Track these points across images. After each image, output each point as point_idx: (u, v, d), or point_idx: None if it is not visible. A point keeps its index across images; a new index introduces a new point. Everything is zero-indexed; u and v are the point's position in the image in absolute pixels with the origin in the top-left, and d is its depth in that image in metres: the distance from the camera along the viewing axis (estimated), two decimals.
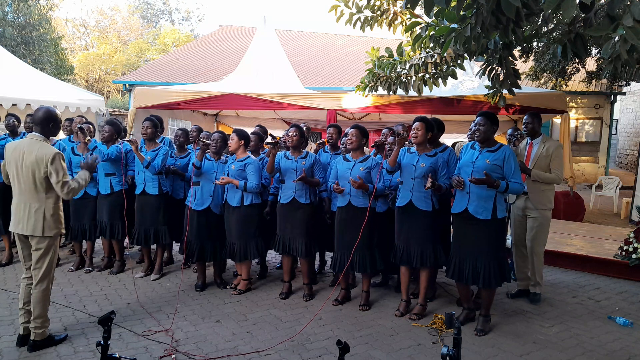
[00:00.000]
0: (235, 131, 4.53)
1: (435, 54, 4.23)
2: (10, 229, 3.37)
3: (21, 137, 5.10)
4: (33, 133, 3.34)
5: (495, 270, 3.64)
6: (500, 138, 7.94)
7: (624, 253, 5.32)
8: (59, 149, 5.11)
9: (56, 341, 3.44)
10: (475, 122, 3.76)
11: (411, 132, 3.95)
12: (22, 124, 5.61)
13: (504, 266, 3.73)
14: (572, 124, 14.03)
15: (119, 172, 4.93)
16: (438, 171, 3.95)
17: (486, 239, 3.66)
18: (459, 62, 4.25)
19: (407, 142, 4.05)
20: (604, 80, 12.64)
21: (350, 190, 4.09)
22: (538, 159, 4.33)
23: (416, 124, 3.94)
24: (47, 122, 3.33)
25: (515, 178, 3.63)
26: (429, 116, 4.28)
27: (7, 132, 5.45)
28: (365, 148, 4.36)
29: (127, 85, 14.28)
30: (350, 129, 4.22)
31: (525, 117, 4.49)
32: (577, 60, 9.93)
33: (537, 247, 4.40)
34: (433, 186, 3.74)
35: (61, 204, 3.41)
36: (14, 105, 7.21)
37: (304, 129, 4.79)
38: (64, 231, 3.45)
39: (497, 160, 3.65)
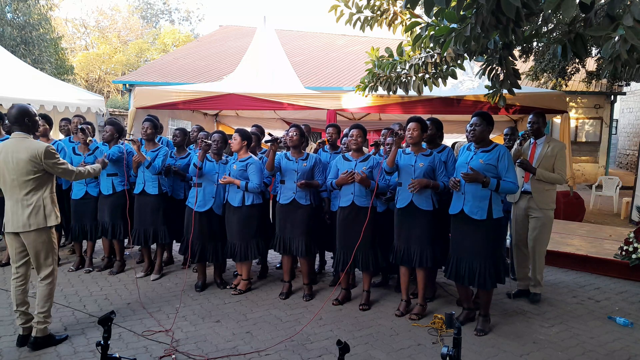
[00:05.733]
0: (238, 131, 4.52)
1: (435, 54, 4.23)
2: (3, 229, 3.38)
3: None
4: (15, 132, 3.33)
5: (490, 272, 3.63)
6: (498, 138, 7.96)
7: (624, 253, 5.32)
8: (58, 150, 5.16)
9: (56, 341, 3.44)
10: (470, 122, 3.76)
11: (407, 133, 3.96)
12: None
13: (500, 267, 3.70)
14: (572, 124, 14.03)
15: (121, 173, 4.94)
16: (436, 169, 3.97)
17: (482, 240, 3.64)
18: (459, 62, 4.25)
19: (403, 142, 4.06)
20: (604, 80, 12.65)
21: (354, 190, 4.10)
22: (542, 159, 4.32)
23: (412, 124, 3.94)
24: (22, 117, 3.30)
25: (509, 177, 3.62)
26: (428, 116, 4.28)
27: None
28: (364, 148, 4.36)
29: (127, 85, 14.27)
30: (352, 129, 4.21)
31: (530, 117, 4.48)
32: (577, 60, 9.93)
33: (539, 247, 4.40)
34: (418, 186, 3.82)
35: (49, 198, 3.34)
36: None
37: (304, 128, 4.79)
38: (52, 224, 3.38)
39: (491, 160, 3.64)
